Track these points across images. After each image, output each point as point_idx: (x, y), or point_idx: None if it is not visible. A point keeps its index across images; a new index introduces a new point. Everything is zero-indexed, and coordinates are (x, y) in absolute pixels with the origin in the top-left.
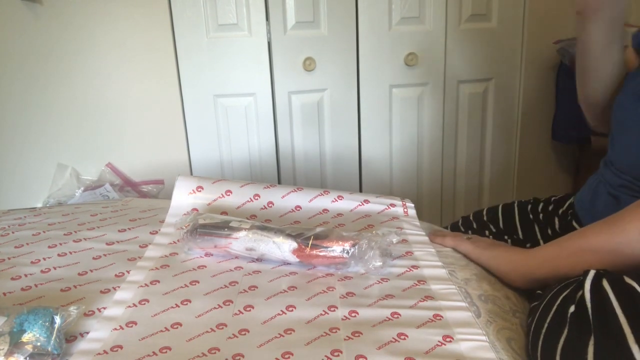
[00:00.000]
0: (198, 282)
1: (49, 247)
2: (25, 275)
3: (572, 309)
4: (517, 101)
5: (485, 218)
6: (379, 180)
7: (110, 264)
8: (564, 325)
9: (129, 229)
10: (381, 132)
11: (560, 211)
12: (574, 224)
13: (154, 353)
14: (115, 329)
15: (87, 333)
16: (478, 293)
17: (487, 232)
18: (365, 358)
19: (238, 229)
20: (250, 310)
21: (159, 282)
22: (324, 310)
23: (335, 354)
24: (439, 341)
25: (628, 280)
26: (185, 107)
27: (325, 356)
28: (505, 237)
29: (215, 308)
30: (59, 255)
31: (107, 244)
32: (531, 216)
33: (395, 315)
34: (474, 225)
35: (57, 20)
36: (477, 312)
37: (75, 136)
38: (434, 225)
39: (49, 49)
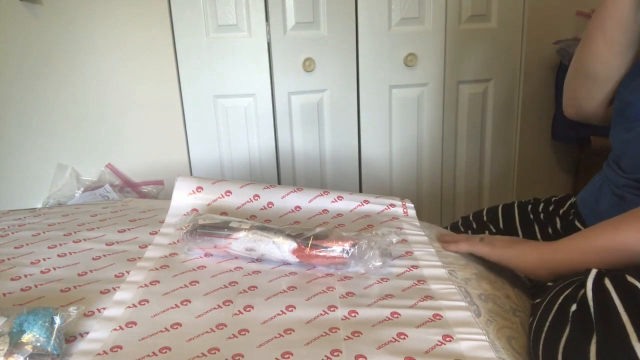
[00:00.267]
0: (198, 283)
1: (49, 247)
2: (25, 276)
3: (574, 307)
4: (517, 101)
5: (485, 218)
6: (379, 180)
7: (110, 264)
8: (566, 323)
9: (129, 229)
10: (381, 132)
11: (561, 211)
12: (577, 223)
13: (154, 353)
14: (115, 329)
15: (87, 333)
16: (478, 292)
17: (487, 233)
18: (365, 358)
19: (238, 230)
20: (250, 311)
21: (158, 282)
22: (323, 310)
23: (335, 354)
24: (438, 341)
25: (630, 278)
26: (185, 107)
27: (325, 356)
28: None
29: (215, 308)
30: (58, 255)
31: (106, 244)
32: (531, 216)
33: (395, 315)
34: (474, 226)
35: (57, 20)
36: (477, 311)
37: (75, 136)
38: (434, 225)
39: (49, 49)
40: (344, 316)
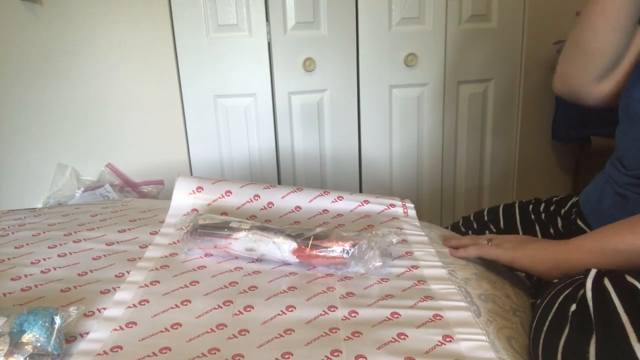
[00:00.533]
0: (198, 283)
1: (49, 247)
2: (25, 276)
3: (573, 307)
4: (517, 101)
5: (486, 218)
6: (379, 180)
7: (110, 264)
8: (565, 323)
9: (129, 229)
10: (381, 132)
11: (563, 211)
12: (579, 222)
13: (154, 353)
14: (115, 329)
15: (87, 333)
16: (478, 292)
17: (487, 233)
18: (365, 358)
19: (238, 230)
20: (250, 311)
21: (159, 282)
22: (323, 311)
23: (335, 354)
24: (438, 341)
25: (629, 278)
26: (185, 107)
27: (325, 356)
28: None
29: (215, 308)
30: (58, 255)
31: (107, 244)
32: (533, 216)
33: (395, 315)
34: (475, 226)
35: (57, 20)
36: (477, 311)
37: (75, 136)
38: (434, 225)
39: (49, 49)
40: (344, 316)
